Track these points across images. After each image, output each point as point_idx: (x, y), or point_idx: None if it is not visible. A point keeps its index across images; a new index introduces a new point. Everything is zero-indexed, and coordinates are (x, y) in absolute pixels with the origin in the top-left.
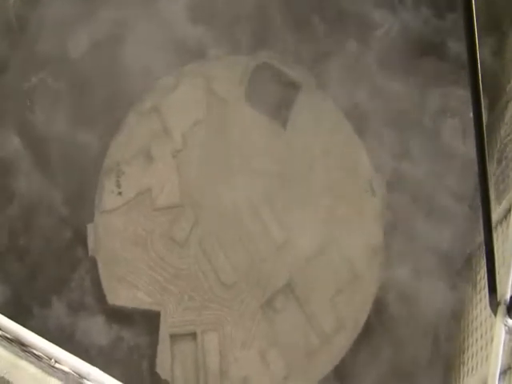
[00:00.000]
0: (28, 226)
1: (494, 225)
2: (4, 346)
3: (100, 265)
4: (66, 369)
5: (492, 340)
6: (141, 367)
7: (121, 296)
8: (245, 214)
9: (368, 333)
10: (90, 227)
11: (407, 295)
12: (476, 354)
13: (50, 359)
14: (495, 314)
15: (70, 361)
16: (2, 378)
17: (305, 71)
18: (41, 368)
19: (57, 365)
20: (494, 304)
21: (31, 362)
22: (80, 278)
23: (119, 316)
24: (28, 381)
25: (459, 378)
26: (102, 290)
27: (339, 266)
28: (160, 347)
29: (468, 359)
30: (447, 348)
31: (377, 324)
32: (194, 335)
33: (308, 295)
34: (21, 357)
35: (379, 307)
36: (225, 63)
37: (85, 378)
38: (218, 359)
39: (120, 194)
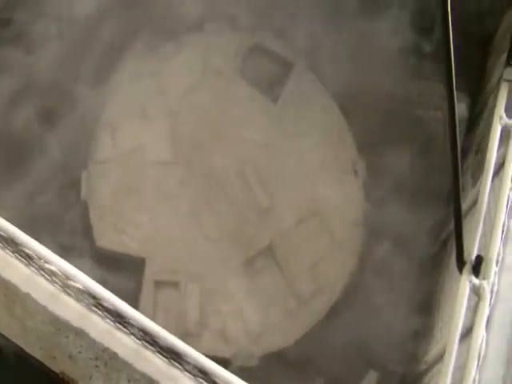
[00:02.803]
0: (24, 166)
1: (469, 205)
2: None
3: (91, 209)
4: (53, 269)
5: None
6: None
7: (109, 240)
8: (232, 177)
9: (345, 300)
10: (83, 174)
11: (384, 268)
12: (445, 325)
13: (40, 259)
14: (461, 273)
15: (58, 262)
16: None
17: (297, 53)
18: (30, 266)
19: (46, 265)
20: (461, 263)
21: (22, 262)
22: (71, 221)
23: (107, 260)
24: (19, 278)
25: (428, 349)
26: (92, 234)
27: (319, 235)
28: (143, 292)
29: (439, 330)
30: (420, 318)
31: (353, 293)
32: (177, 285)
33: (288, 260)
34: (12, 256)
35: (357, 277)
36: (222, 38)
37: (71, 280)
38: (199, 309)
39: (114, 146)
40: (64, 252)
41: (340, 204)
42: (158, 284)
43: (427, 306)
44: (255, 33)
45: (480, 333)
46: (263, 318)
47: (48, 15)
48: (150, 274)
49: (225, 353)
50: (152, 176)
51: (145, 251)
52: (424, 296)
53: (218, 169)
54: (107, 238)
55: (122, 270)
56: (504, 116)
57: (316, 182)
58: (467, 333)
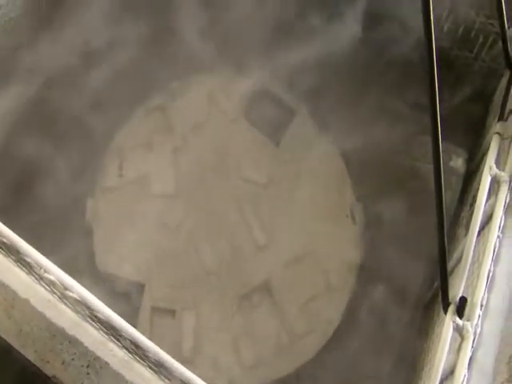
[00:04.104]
0: (32, 188)
1: (461, 254)
2: (1, 253)
3: (94, 233)
4: (52, 278)
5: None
6: None
7: (111, 265)
8: (231, 213)
9: (337, 340)
10: (89, 199)
11: (377, 312)
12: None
13: (40, 268)
14: (445, 313)
15: (56, 272)
16: None
17: (301, 99)
18: (30, 275)
19: (45, 274)
20: (446, 304)
21: (23, 270)
22: (74, 243)
23: (107, 284)
24: (19, 285)
25: None
26: (94, 257)
27: (315, 275)
28: (141, 317)
29: (426, 372)
30: (410, 362)
31: (345, 333)
32: (173, 312)
33: (283, 297)
34: (15, 264)
35: (349, 318)
36: (229, 81)
37: (68, 290)
38: (193, 338)
39: (121, 175)
40: (66, 273)
41: (336, 247)
42: (155, 310)
43: (417, 350)
44: (261, 78)
45: (462, 371)
46: (256, 351)
47: (69, 47)
48: (147, 300)
49: (217, 382)
50: (155, 207)
51: (144, 278)
52: (415, 340)
53: (218, 205)
54: (109, 263)
55: (121, 294)
56: (494, 167)
57: (314, 224)
58: (451, 372)
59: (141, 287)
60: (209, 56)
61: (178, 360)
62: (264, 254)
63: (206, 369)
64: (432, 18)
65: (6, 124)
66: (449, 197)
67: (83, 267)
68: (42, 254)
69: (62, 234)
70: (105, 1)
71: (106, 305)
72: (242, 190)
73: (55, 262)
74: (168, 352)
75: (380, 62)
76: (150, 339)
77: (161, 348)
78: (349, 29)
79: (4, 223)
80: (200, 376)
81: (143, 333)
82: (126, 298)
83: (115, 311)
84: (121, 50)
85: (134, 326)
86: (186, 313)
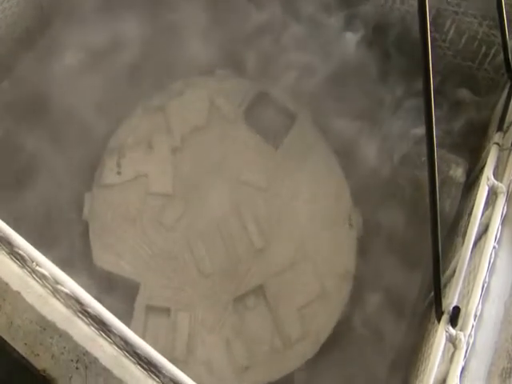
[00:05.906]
0: (29, 182)
1: (457, 261)
2: None
3: (91, 229)
4: (45, 272)
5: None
6: None
7: (106, 261)
8: (229, 216)
9: (330, 347)
10: (87, 195)
11: (372, 320)
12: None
13: (33, 262)
14: (439, 322)
15: (48, 266)
16: None
17: (302, 104)
18: (23, 268)
19: (37, 268)
20: (439, 313)
21: (16, 263)
22: (71, 239)
23: (103, 281)
24: (11, 277)
25: None
26: (90, 254)
27: (310, 281)
28: (135, 315)
29: (419, 382)
30: (404, 372)
31: (340, 340)
32: (167, 311)
33: (278, 301)
34: (7, 256)
35: (344, 325)
36: (229, 83)
37: (59, 284)
38: (187, 338)
39: (119, 173)
40: (61, 268)
41: (332, 253)
42: (150, 309)
43: (412, 359)
44: (262, 81)
45: (454, 381)
46: (250, 353)
47: (69, 44)
48: (142, 298)
49: (209, 383)
50: (152, 206)
51: (140, 276)
52: (410, 350)
53: (215, 207)
54: (105, 260)
55: (116, 291)
56: (491, 177)
57: (311, 229)
58: (443, 382)
59: (136, 285)
60: (210, 58)
61: (170, 359)
62: (260, 257)
63: (199, 369)
64: (428, 26)
65: (5, 118)
66: (448, 206)
67: (79, 263)
68: (37, 248)
69: (58, 229)
70: (105, 0)
71: (101, 301)
72: (240, 192)
73: (51, 257)
74: (161, 351)
75: (384, 69)
76: (144, 337)
77: (154, 347)
78: (354, 34)
79: None
80: (192, 376)
81: (137, 331)
82: (122, 296)
83: (110, 308)
84: (122, 50)
85: (129, 324)
86: (180, 313)
